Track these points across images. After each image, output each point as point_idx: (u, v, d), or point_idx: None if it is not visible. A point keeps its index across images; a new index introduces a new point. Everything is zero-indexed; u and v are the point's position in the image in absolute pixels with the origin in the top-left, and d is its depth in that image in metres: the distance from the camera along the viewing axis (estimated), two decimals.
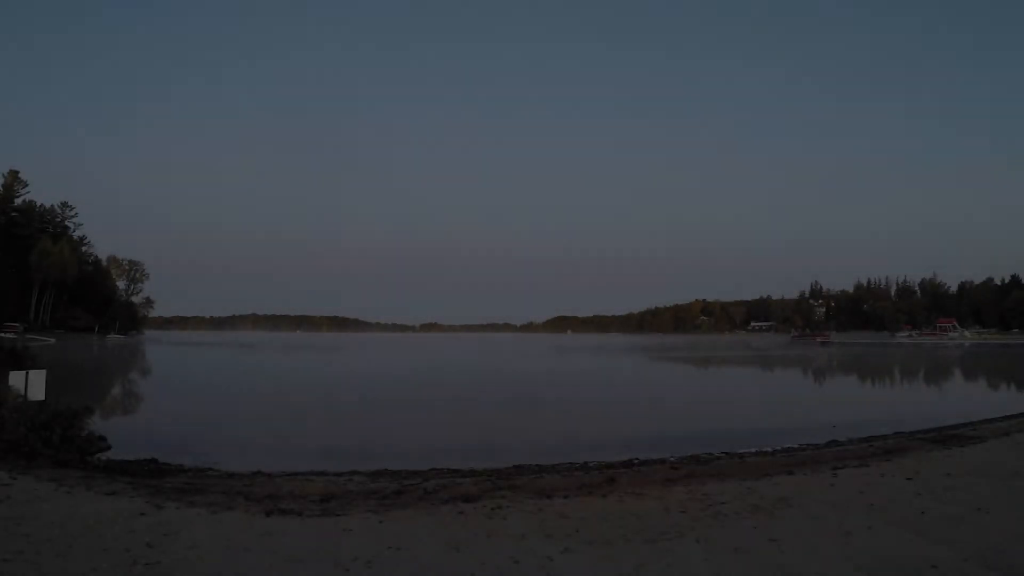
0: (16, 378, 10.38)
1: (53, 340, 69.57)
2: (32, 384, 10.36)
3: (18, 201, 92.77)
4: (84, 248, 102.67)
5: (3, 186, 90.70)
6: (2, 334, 54.17)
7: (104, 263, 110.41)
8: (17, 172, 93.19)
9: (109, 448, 9.77)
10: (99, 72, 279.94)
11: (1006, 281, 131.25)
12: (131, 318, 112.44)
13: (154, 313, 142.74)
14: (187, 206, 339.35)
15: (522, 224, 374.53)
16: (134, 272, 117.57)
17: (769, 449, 9.55)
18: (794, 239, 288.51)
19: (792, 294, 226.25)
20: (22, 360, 20.85)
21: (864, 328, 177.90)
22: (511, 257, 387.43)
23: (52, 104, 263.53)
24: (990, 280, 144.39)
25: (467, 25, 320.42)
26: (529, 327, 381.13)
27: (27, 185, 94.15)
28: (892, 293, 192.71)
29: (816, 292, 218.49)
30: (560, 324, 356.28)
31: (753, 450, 9.45)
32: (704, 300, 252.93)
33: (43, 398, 10.42)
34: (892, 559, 4.23)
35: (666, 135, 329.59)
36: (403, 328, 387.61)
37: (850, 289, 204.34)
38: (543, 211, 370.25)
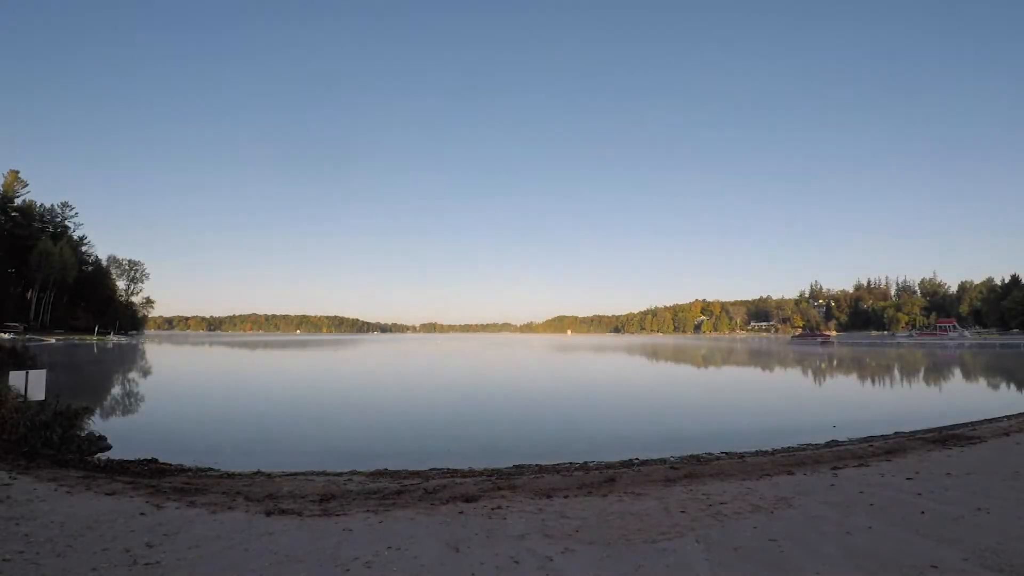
0: (16, 378, 10.39)
1: (53, 340, 69.63)
2: (32, 384, 10.37)
3: (18, 201, 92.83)
4: (84, 248, 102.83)
5: (3, 186, 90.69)
6: (2, 334, 54.16)
7: (104, 263, 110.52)
8: (17, 172, 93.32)
9: (109, 448, 9.78)
10: (100, 73, 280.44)
11: (1006, 281, 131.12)
12: (131, 318, 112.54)
13: (154, 313, 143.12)
14: (187, 206, 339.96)
15: (522, 223, 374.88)
16: (134, 272, 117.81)
17: (769, 449, 9.54)
18: (794, 239, 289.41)
19: (792, 294, 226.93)
20: (22, 360, 20.90)
21: (864, 328, 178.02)
22: (511, 257, 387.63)
23: (53, 104, 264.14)
24: (990, 280, 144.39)
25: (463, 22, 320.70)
26: (529, 327, 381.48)
27: (27, 185, 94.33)
28: (892, 293, 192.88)
29: (816, 292, 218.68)
30: (560, 324, 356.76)
31: (753, 450, 9.44)
32: (704, 300, 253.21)
33: (43, 398, 10.43)
34: (892, 559, 4.23)
35: (665, 136, 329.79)
36: (403, 328, 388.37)
37: (850, 289, 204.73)
38: (543, 210, 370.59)
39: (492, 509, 5.73)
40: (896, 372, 32.36)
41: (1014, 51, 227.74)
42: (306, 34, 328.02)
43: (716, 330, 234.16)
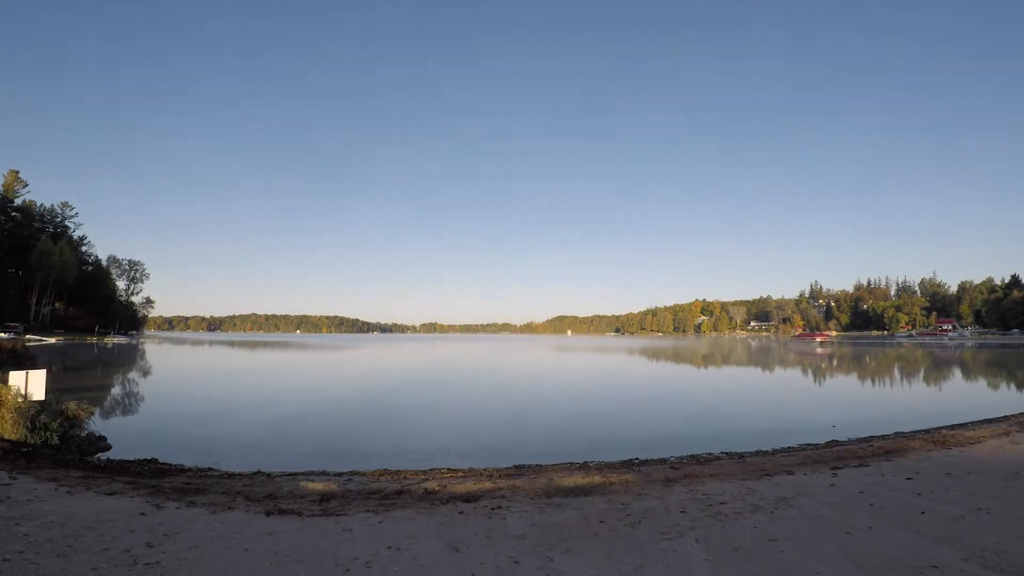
0: (16, 378, 10.40)
1: (53, 340, 69.63)
2: (32, 384, 10.37)
3: (18, 201, 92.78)
4: (84, 248, 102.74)
5: (3, 186, 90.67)
6: (2, 334, 54.16)
7: (104, 263, 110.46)
8: (17, 172, 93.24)
9: (109, 448, 9.79)
10: (100, 73, 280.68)
11: (1006, 281, 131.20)
12: (131, 318, 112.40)
13: (154, 313, 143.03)
14: (188, 207, 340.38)
15: (522, 223, 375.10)
16: (134, 272, 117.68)
17: (769, 449, 9.55)
18: (794, 239, 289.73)
19: (792, 294, 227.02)
20: (22, 360, 20.91)
21: (865, 328, 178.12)
22: (511, 257, 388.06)
23: (53, 104, 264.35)
24: (990, 280, 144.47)
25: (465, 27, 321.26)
26: (529, 327, 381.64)
27: (27, 185, 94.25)
28: (892, 293, 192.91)
29: (816, 292, 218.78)
30: (560, 324, 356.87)
31: (753, 450, 9.45)
32: (704, 300, 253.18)
33: (43, 398, 10.43)
34: (892, 559, 4.23)
35: (665, 136, 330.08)
36: (403, 328, 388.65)
37: (850, 289, 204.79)
38: (543, 210, 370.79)
39: (492, 509, 5.73)
40: (896, 372, 32.35)
41: (1014, 51, 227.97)
42: (307, 36, 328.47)
43: (716, 330, 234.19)
